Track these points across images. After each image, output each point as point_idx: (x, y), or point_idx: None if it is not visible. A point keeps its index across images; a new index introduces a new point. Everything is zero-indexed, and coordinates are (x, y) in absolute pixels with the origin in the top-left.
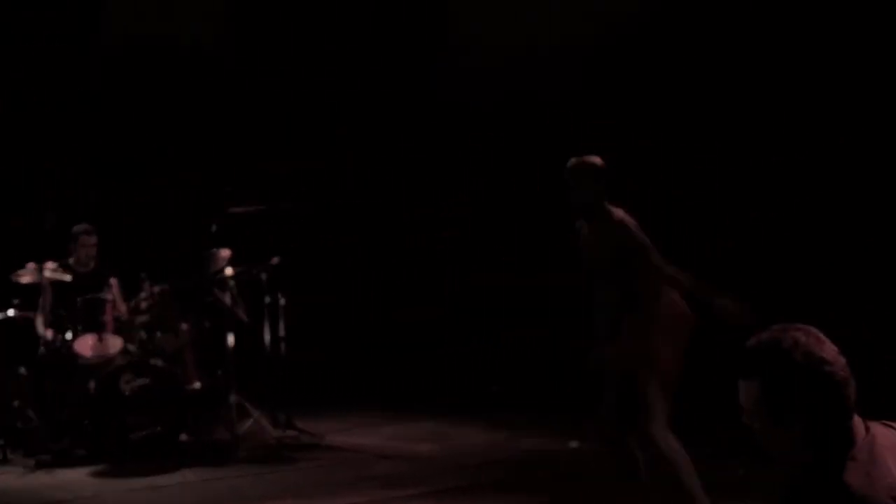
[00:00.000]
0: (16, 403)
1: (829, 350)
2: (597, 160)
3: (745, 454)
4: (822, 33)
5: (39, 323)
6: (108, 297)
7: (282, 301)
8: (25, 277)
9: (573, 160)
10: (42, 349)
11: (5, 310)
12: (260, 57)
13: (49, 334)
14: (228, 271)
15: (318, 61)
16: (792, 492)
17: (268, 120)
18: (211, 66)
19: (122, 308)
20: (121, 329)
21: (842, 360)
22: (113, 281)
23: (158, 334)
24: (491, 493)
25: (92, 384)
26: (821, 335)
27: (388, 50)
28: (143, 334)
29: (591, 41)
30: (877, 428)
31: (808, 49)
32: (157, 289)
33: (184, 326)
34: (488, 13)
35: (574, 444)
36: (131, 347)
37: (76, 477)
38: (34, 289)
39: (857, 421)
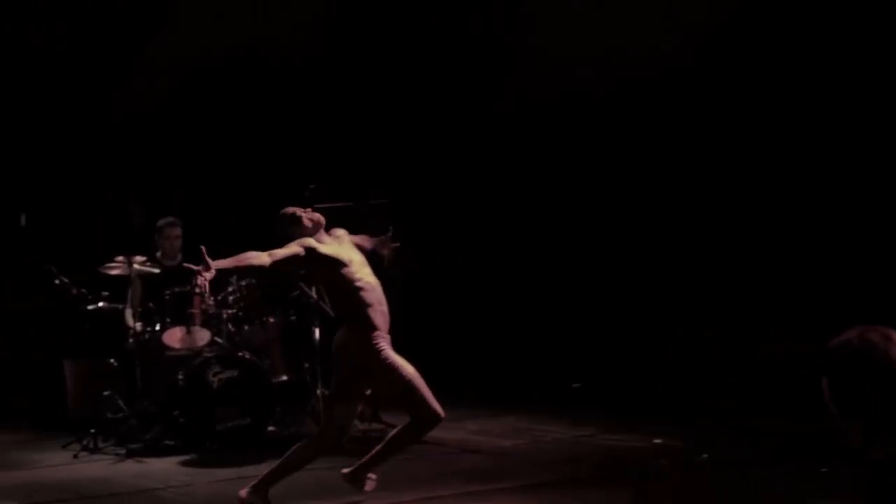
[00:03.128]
0: (106, 394)
1: None
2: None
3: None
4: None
5: (128, 315)
6: (196, 290)
7: None
8: (115, 270)
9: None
10: (131, 341)
11: (95, 302)
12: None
13: (138, 326)
14: None
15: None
16: (872, 489)
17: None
18: (293, 67)
19: (210, 301)
20: (208, 322)
21: None
22: None
23: (246, 327)
24: (576, 489)
25: (180, 376)
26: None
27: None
28: (230, 327)
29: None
30: None
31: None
32: (244, 283)
33: (271, 320)
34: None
35: (658, 440)
36: (219, 340)
37: (166, 466)
38: (123, 281)
39: None
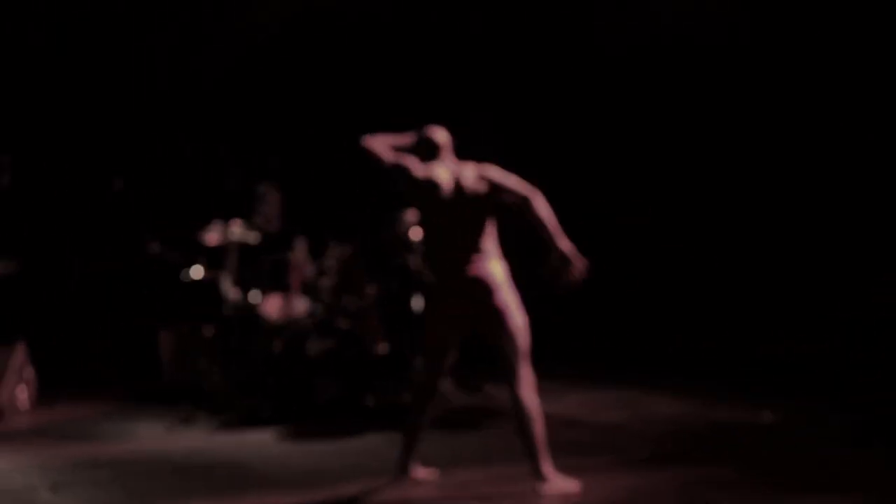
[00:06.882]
0: (202, 364)
1: None
2: None
3: None
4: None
5: (225, 283)
6: (295, 258)
7: None
8: (212, 237)
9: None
10: (228, 309)
11: (191, 269)
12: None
13: (235, 294)
14: (414, 234)
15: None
16: None
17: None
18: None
19: (309, 269)
20: (307, 290)
21: None
22: (300, 242)
23: (344, 296)
24: (681, 464)
25: (277, 345)
26: None
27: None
28: (328, 296)
29: None
30: None
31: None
32: (343, 250)
33: (369, 289)
34: None
35: (768, 415)
36: (317, 309)
37: (262, 438)
38: (220, 248)
39: None
